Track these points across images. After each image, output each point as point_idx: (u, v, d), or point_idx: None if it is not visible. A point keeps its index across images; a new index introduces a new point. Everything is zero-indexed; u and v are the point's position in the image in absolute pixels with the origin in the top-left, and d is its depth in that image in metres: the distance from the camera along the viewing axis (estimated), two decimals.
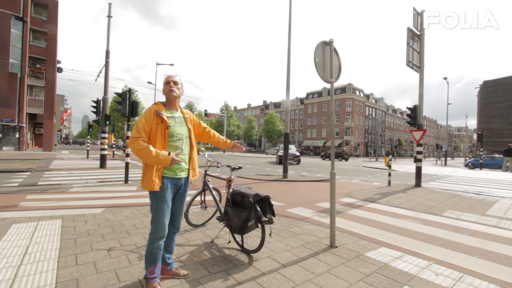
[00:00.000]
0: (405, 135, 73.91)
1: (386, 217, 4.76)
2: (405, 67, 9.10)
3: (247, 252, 2.86)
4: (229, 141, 2.71)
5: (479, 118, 43.85)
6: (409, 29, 8.91)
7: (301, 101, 65.34)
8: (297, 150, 24.72)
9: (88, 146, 19.96)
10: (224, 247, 3.05)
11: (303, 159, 31.58)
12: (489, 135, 39.43)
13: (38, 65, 23.43)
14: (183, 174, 2.18)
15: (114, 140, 23.84)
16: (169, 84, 2.15)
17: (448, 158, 35.27)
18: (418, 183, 8.96)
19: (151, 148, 1.93)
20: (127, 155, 8.41)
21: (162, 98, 2.31)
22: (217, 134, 2.65)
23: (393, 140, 68.63)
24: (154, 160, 1.92)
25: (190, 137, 2.26)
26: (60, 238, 3.15)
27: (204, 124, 2.52)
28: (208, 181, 3.53)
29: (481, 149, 22.21)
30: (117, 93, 11.24)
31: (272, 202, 2.83)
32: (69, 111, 33.91)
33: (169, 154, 1.96)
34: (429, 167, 21.46)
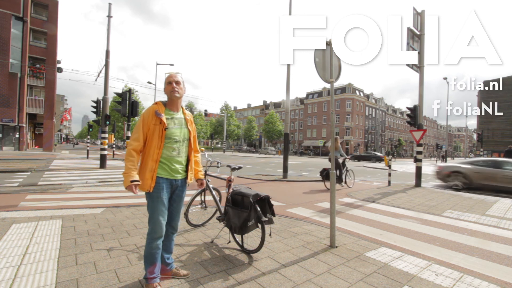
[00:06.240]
0: (405, 135, 73.85)
1: (386, 217, 4.77)
2: (405, 67, 9.11)
3: (247, 252, 2.86)
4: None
5: (479, 118, 43.85)
6: (409, 29, 8.91)
7: (301, 101, 65.31)
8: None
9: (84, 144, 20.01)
10: (224, 247, 3.05)
11: (303, 159, 31.54)
12: (489, 135, 39.43)
13: (38, 65, 23.43)
14: (179, 176, 2.16)
15: (114, 140, 23.84)
16: (171, 85, 2.10)
17: (448, 158, 35.28)
18: (418, 183, 8.96)
19: (132, 163, 1.97)
20: None
21: (162, 97, 2.30)
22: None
23: (393, 140, 68.61)
24: (124, 172, 1.97)
25: (189, 139, 2.23)
26: (60, 238, 3.14)
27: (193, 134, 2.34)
28: (208, 181, 3.54)
29: (481, 149, 22.22)
30: (117, 93, 11.26)
31: (272, 202, 2.83)
32: (68, 116, 33.25)
33: (133, 181, 1.92)
34: (429, 167, 21.44)
